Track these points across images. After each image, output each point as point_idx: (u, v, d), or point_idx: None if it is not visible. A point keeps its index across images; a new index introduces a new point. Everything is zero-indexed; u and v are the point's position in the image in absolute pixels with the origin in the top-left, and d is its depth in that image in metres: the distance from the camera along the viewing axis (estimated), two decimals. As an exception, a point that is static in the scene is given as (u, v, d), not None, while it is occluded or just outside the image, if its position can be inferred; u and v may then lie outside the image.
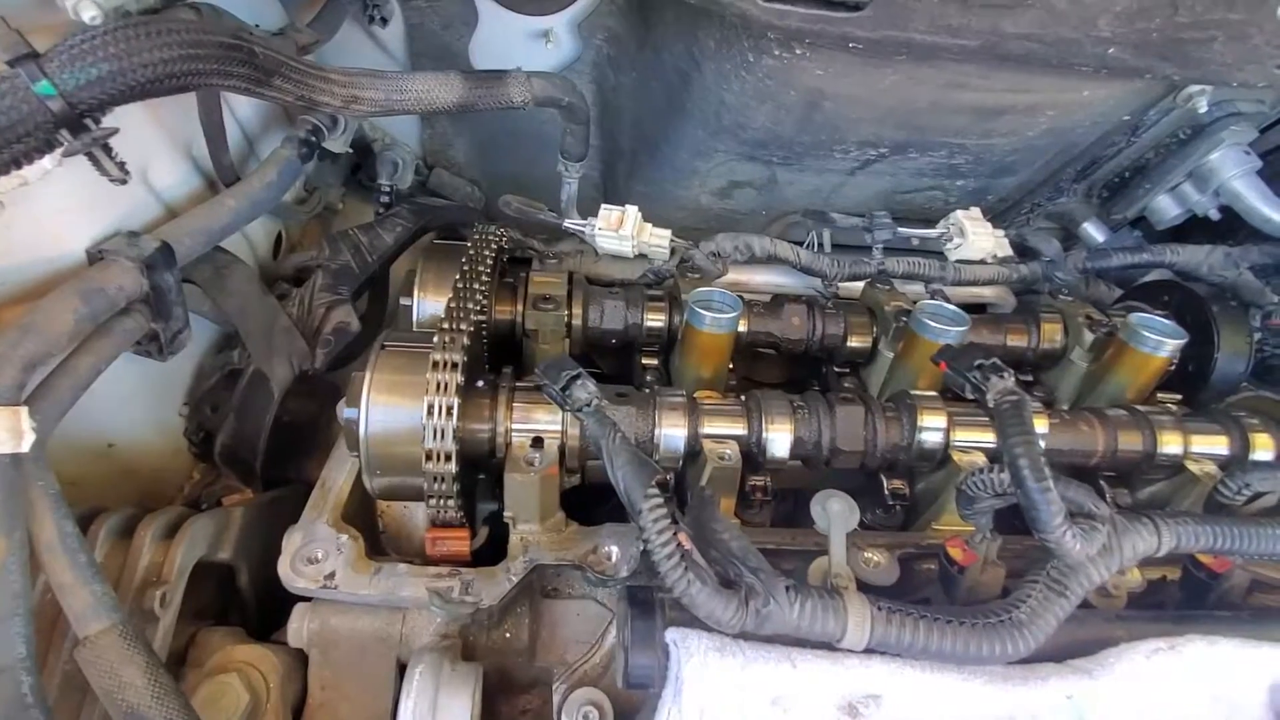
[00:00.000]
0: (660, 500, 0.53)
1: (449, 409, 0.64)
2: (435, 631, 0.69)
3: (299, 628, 0.69)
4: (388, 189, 1.07)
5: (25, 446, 0.57)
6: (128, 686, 0.54)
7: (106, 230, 0.72)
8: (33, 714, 0.51)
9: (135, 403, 0.86)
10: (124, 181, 0.56)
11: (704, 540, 0.57)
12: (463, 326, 0.70)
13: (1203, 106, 1.04)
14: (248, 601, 0.79)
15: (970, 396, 0.63)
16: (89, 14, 0.55)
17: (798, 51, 0.93)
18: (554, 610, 0.76)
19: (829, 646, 0.55)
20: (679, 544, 0.56)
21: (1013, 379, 0.60)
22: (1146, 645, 0.58)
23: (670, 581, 0.51)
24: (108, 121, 0.59)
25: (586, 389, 0.61)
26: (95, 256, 0.69)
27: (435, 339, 0.68)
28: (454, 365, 0.66)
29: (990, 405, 0.60)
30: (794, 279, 1.18)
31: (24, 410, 0.58)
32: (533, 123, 1.31)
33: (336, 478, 0.79)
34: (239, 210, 0.82)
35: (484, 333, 0.86)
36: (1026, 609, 0.56)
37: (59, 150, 0.51)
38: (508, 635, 0.71)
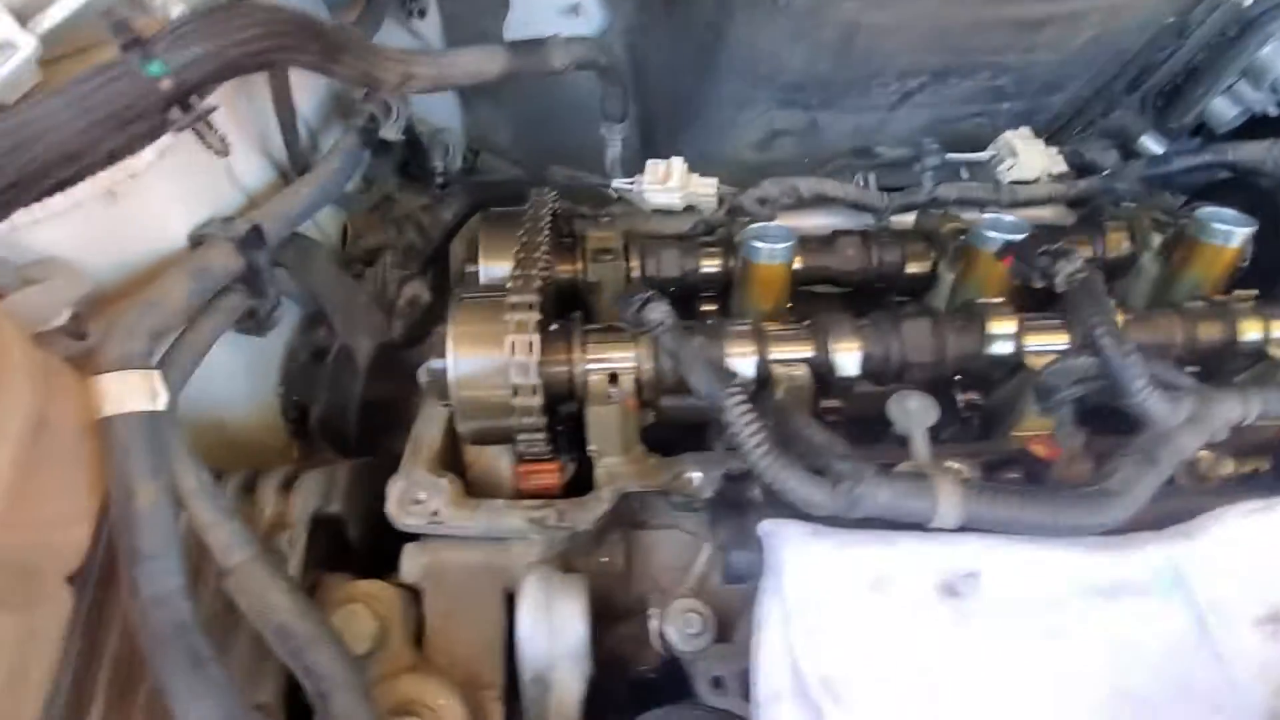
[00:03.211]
0: (743, 394, 0.56)
1: (530, 345, 0.68)
2: (537, 558, 0.73)
3: (411, 564, 0.73)
4: (442, 171, 1.12)
5: (161, 405, 0.63)
6: (275, 607, 0.59)
7: (201, 218, 0.78)
8: (194, 636, 0.57)
9: (238, 382, 0.92)
10: (225, 154, 0.61)
11: (788, 441, 0.59)
12: (533, 272, 0.74)
13: (1247, 0, 1.00)
14: (357, 551, 0.85)
15: (1039, 284, 0.63)
16: (177, 11, 0.60)
17: (827, -15, 0.94)
18: (644, 540, 0.79)
19: (921, 529, 0.57)
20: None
21: (1080, 260, 0.61)
22: (1242, 506, 0.58)
23: (762, 468, 0.53)
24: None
25: (659, 310, 0.64)
26: (196, 240, 0.76)
27: (509, 284, 0.72)
28: (530, 305, 0.70)
29: (1061, 288, 0.60)
30: (844, 219, 1.18)
31: (157, 373, 0.64)
32: (570, 95, 1.34)
33: (426, 430, 0.84)
34: (313, 196, 0.88)
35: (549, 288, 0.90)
36: (1118, 478, 0.57)
37: (169, 129, 0.56)
38: (604, 560, 0.75)
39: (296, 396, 1.00)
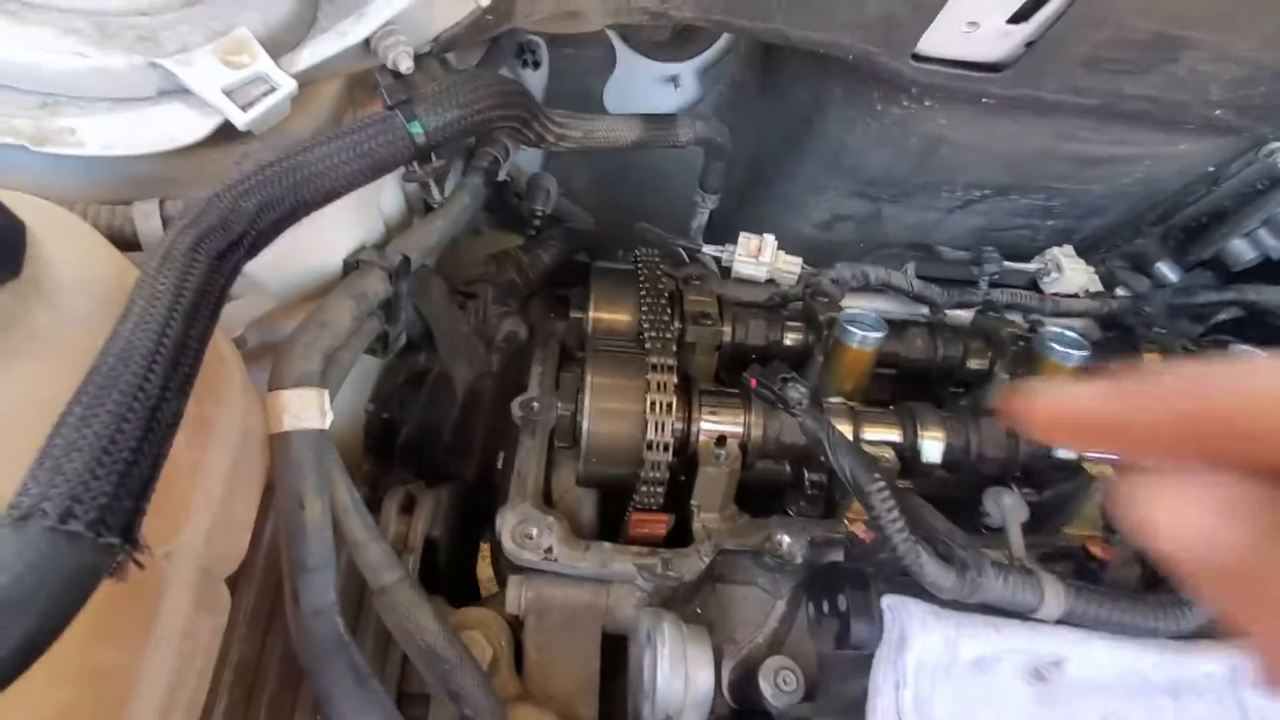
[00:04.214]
0: (885, 484, 0.63)
1: (669, 405, 0.74)
2: (637, 603, 0.78)
3: (516, 596, 0.77)
4: (540, 213, 1.18)
5: (327, 424, 0.67)
6: (424, 629, 0.63)
7: (356, 244, 0.82)
8: (353, 651, 0.60)
9: (343, 397, 0.95)
10: (442, 205, 0.66)
11: (909, 523, 0.65)
12: (668, 335, 0.80)
13: (1282, 160, 1.14)
14: (443, 576, 0.88)
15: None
16: (405, 65, 0.66)
17: (925, 103, 1.05)
18: (725, 594, 0.84)
19: (1021, 617, 0.64)
20: (859, 537, 0.65)
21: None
22: (1292, 628, 0.67)
23: (902, 551, 0.60)
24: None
25: (798, 390, 0.70)
26: (351, 265, 0.80)
27: (647, 344, 0.78)
28: (670, 367, 0.76)
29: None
30: (896, 306, 1.28)
31: (325, 392, 0.68)
32: (648, 159, 1.43)
33: (529, 467, 0.88)
34: (444, 229, 0.92)
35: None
36: (1190, 591, 0.65)
37: (402, 175, 0.61)
38: (698, 611, 0.80)
39: (386, 415, 1.03)
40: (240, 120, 0.56)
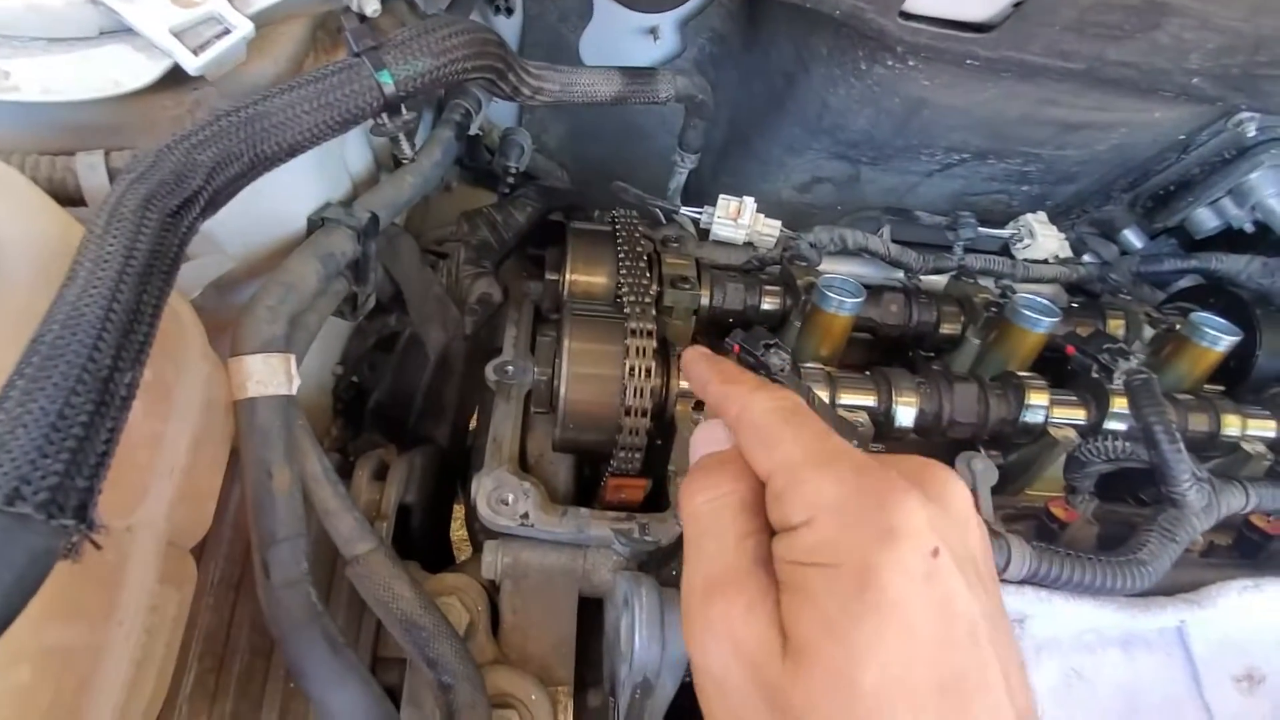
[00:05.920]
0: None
1: (647, 370, 0.73)
2: (614, 567, 0.78)
3: (492, 561, 0.77)
4: (514, 170, 1.14)
5: (294, 389, 0.65)
6: (400, 598, 0.62)
7: (319, 201, 0.78)
8: (326, 620, 0.59)
9: (310, 360, 0.92)
10: (413, 160, 0.63)
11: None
12: (647, 299, 0.79)
13: (1251, 131, 1.16)
14: (418, 542, 0.87)
15: (1095, 375, 0.73)
16: (370, 8, 0.62)
17: (910, 63, 1.03)
18: (700, 556, 0.85)
19: (989, 578, 0.66)
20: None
21: (1137, 360, 0.71)
22: (1237, 584, 0.70)
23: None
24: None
25: (780, 356, 0.70)
26: (315, 223, 0.76)
27: (626, 309, 0.77)
28: (649, 332, 0.74)
29: (1119, 383, 0.71)
30: (872, 270, 1.28)
31: (292, 357, 0.65)
32: (625, 114, 1.39)
33: (505, 432, 0.87)
34: (415, 185, 0.89)
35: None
36: (1147, 551, 0.68)
37: (370, 129, 0.58)
38: (675, 573, 0.80)
39: (355, 378, 1.00)
40: (191, 64, 0.52)
